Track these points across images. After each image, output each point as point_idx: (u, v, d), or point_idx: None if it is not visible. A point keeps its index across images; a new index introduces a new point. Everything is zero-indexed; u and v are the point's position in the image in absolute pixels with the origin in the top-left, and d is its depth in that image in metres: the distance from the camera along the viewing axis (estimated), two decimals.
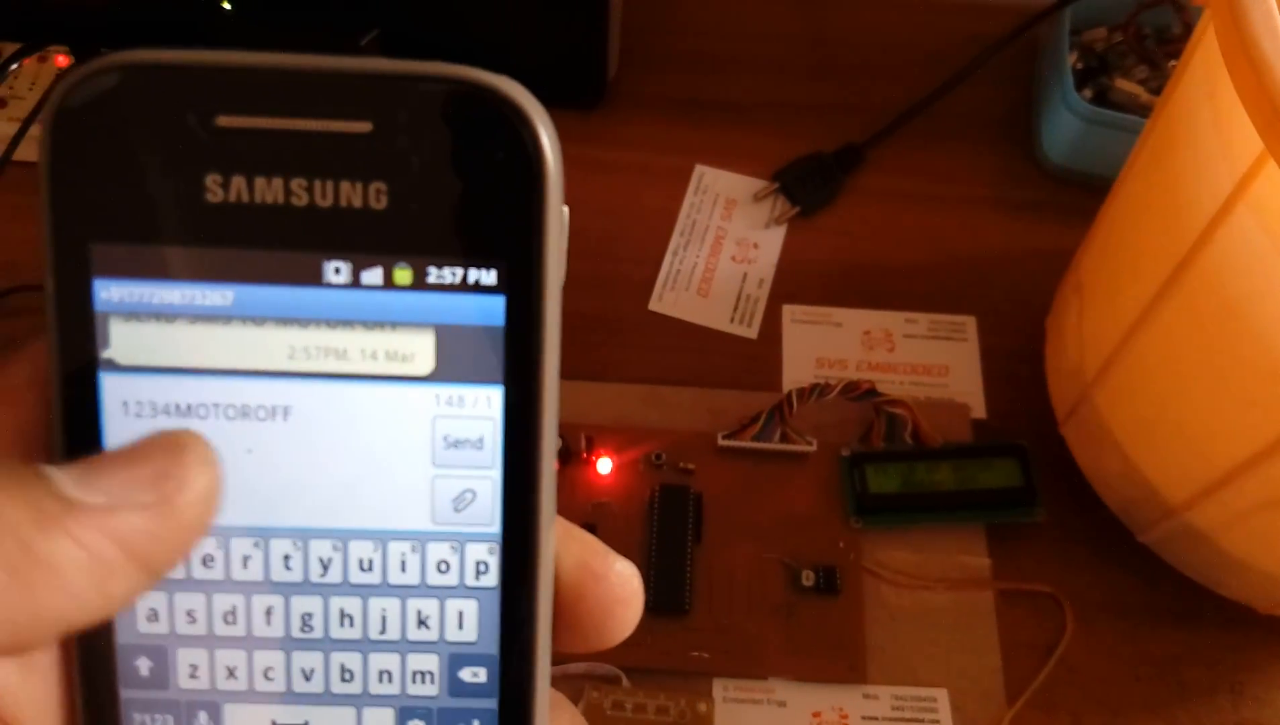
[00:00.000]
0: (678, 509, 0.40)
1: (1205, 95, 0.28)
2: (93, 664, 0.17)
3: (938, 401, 0.43)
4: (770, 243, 0.48)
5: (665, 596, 0.38)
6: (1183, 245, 0.29)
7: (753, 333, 0.45)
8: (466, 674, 0.18)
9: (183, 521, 0.15)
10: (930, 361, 0.45)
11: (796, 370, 0.44)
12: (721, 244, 0.48)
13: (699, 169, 0.50)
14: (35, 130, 0.46)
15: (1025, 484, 0.40)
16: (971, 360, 0.45)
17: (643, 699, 0.36)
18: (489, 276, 0.16)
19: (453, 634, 0.17)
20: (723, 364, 0.44)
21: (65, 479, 0.15)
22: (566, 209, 0.16)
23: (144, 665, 0.17)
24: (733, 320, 0.46)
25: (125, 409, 0.17)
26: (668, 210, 0.49)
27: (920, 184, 0.50)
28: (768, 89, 0.52)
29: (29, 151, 0.46)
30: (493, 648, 0.17)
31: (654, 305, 0.46)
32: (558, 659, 0.18)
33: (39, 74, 0.48)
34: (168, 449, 0.15)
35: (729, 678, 0.37)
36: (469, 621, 0.17)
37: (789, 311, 0.46)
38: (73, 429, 0.16)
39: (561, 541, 0.18)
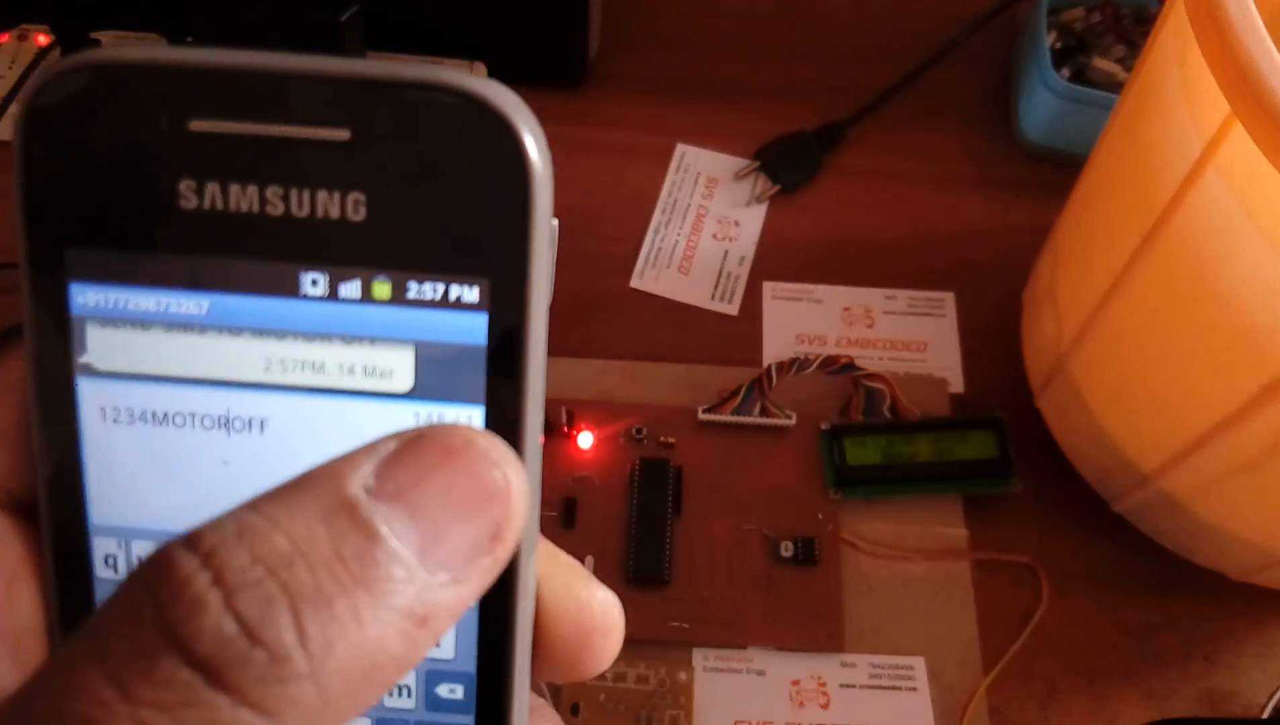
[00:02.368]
0: (658, 482, 0.40)
1: (1175, 61, 0.29)
2: None
3: (916, 376, 0.43)
4: (751, 221, 0.48)
5: (646, 568, 0.38)
6: (1153, 211, 0.30)
7: (734, 309, 0.46)
8: (443, 690, 0.17)
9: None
10: (909, 337, 0.45)
11: (777, 346, 0.45)
12: (703, 222, 0.48)
13: (680, 148, 0.50)
14: (17, 108, 0.46)
15: (1001, 456, 0.40)
16: (950, 336, 0.45)
17: (623, 668, 0.37)
18: (471, 293, 0.15)
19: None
20: (703, 340, 0.45)
21: (403, 560, 0.13)
22: (556, 222, 0.15)
23: None
24: (714, 297, 0.46)
25: (103, 414, 0.16)
26: (649, 189, 0.49)
27: (900, 162, 0.50)
28: (749, 68, 0.52)
29: (8, 130, 0.46)
30: (470, 666, 0.17)
31: (635, 282, 0.46)
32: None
33: (18, 52, 0.48)
34: (492, 498, 0.14)
35: (709, 647, 0.38)
36: (446, 639, 0.17)
37: (769, 288, 0.46)
38: (49, 431, 0.16)
39: (546, 564, 0.17)
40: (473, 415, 0.16)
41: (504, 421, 0.16)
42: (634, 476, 0.40)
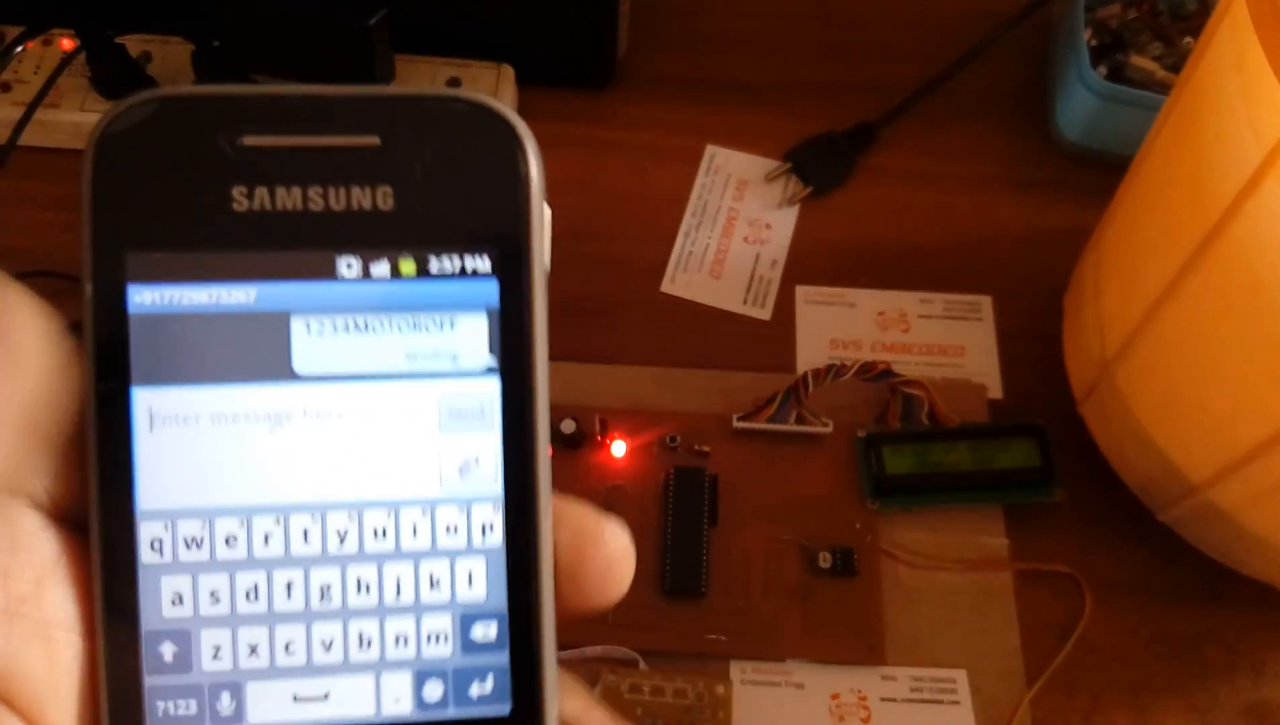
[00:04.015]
0: (693, 491, 0.39)
1: (1232, 67, 0.28)
2: (117, 651, 0.18)
3: (954, 382, 0.43)
4: (783, 223, 0.47)
5: (682, 579, 0.38)
6: (1208, 220, 0.29)
7: (766, 314, 0.45)
8: (478, 631, 0.19)
9: None
10: (946, 342, 0.44)
11: (810, 351, 0.44)
12: (734, 225, 0.47)
13: (710, 149, 0.49)
14: (47, 115, 0.45)
15: (1043, 464, 0.39)
16: (987, 340, 0.44)
17: (660, 682, 0.36)
18: (483, 263, 0.18)
19: (463, 593, 0.19)
20: (736, 345, 0.44)
21: None
22: (549, 208, 0.18)
23: (168, 650, 0.18)
24: (746, 301, 0.45)
25: (154, 410, 0.18)
26: (679, 191, 0.48)
27: (934, 163, 0.49)
28: (779, 68, 0.52)
29: (34, 136, 0.46)
30: (501, 603, 0.19)
31: (666, 287, 0.46)
32: (574, 642, 0.19)
33: (43, 58, 0.48)
34: None
35: (747, 660, 0.37)
36: (478, 579, 0.19)
37: (802, 292, 0.46)
38: (105, 423, 0.18)
39: (560, 508, 0.19)
40: (490, 367, 0.18)
41: (516, 370, 0.18)
42: (668, 486, 0.40)
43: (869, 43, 0.53)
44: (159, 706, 0.18)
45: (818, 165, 0.48)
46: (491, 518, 0.19)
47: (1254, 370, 0.30)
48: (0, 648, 0.17)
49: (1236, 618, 0.39)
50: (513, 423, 0.18)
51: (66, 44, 0.48)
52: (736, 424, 0.41)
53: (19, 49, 0.44)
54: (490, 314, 0.18)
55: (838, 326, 0.45)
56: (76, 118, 0.47)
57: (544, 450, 0.18)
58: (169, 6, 0.46)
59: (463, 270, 0.18)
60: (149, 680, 0.18)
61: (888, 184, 0.49)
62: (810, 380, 0.40)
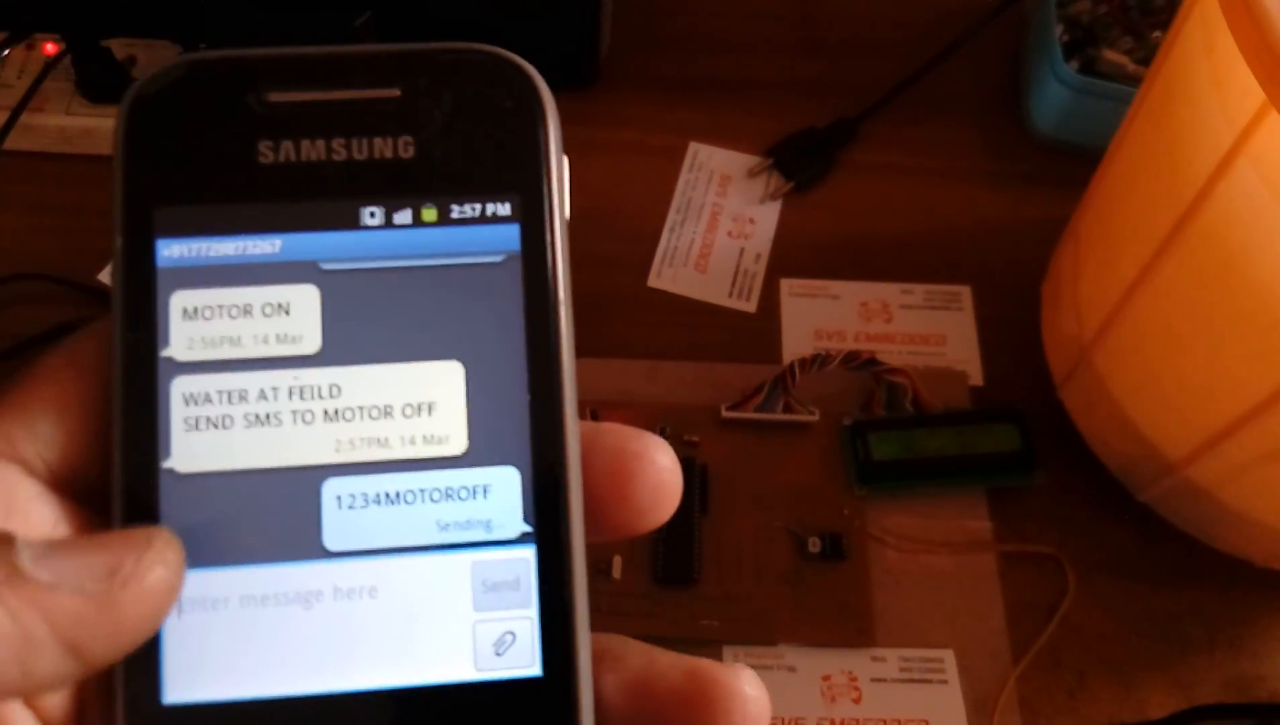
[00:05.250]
0: (684, 481, 0.40)
1: (1203, 52, 0.29)
2: None
3: (936, 369, 0.44)
4: (766, 218, 0.48)
5: (674, 567, 0.38)
6: (1182, 202, 0.30)
7: (751, 306, 0.46)
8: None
9: (122, 616, 0.16)
10: (927, 331, 0.45)
11: (795, 343, 0.45)
12: (718, 220, 0.48)
13: (693, 146, 0.50)
14: (32, 119, 0.45)
15: (1024, 448, 0.40)
16: (967, 329, 0.45)
17: None
18: (504, 209, 0.18)
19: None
20: (722, 338, 0.45)
21: (24, 550, 0.15)
22: (566, 158, 0.19)
23: None
24: (731, 294, 0.46)
25: (178, 361, 0.18)
26: (663, 187, 0.49)
27: (912, 157, 0.50)
28: (759, 66, 0.53)
29: (18, 140, 0.46)
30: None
31: (653, 281, 0.46)
32: None
33: (27, 62, 0.48)
34: (130, 543, 0.16)
35: (739, 645, 0.38)
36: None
37: (787, 285, 0.46)
38: (130, 379, 0.18)
39: (594, 436, 0.19)
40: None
41: (540, 316, 0.18)
42: None
43: (847, 40, 0.54)
44: None
45: (799, 161, 0.49)
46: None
47: (1228, 347, 0.31)
48: None
49: (1215, 594, 0.40)
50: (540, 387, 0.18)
51: (50, 48, 0.48)
52: (725, 414, 0.41)
53: (4, 53, 0.45)
54: (513, 259, 0.18)
55: (822, 318, 0.46)
56: (61, 121, 0.47)
57: (569, 361, 0.18)
58: (154, 10, 0.46)
59: (483, 215, 0.18)
60: None
61: (868, 178, 0.49)
62: (796, 370, 0.41)
